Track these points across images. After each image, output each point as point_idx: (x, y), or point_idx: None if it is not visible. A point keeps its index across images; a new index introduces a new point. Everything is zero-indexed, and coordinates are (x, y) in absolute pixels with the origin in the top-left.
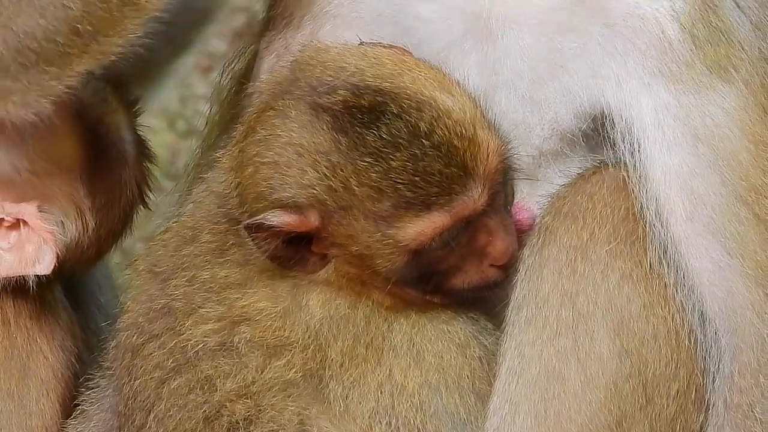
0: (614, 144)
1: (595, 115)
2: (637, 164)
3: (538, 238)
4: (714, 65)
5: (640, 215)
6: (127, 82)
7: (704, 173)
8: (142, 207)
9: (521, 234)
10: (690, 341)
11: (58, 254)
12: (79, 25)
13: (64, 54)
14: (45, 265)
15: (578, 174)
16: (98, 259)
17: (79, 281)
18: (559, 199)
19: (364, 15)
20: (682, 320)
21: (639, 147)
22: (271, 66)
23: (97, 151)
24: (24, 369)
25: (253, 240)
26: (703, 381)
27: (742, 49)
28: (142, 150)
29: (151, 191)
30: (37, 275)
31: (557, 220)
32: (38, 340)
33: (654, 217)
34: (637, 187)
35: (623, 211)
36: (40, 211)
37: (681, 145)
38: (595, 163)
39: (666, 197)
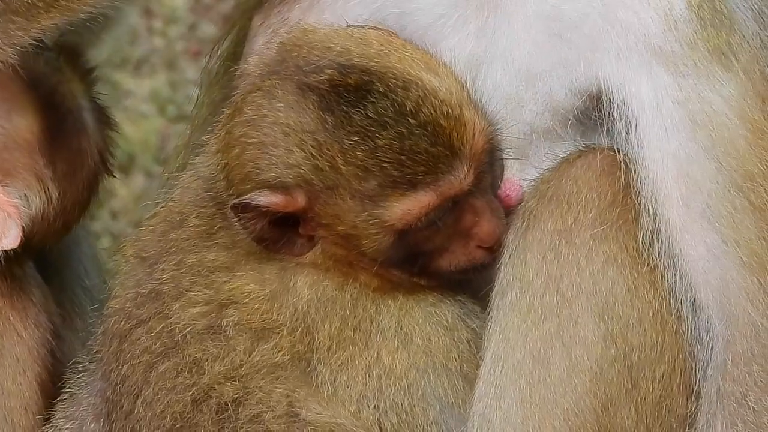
0: (608, 126)
1: (590, 94)
2: (633, 145)
3: (522, 222)
4: (715, 50)
5: (629, 199)
6: (80, 50)
7: (701, 159)
8: (106, 175)
9: (510, 209)
10: (675, 324)
11: (23, 228)
12: None
13: (32, 6)
14: (11, 240)
15: (562, 158)
16: (66, 230)
17: (65, 264)
18: (543, 183)
19: None
20: (668, 304)
21: (636, 128)
22: (268, 41)
23: (55, 121)
24: None
25: (239, 221)
26: (690, 366)
27: (743, 36)
28: (102, 118)
29: (114, 158)
30: (4, 250)
31: (541, 204)
32: (11, 318)
33: (648, 200)
34: (632, 169)
35: (609, 196)
36: (1, 186)
37: (679, 129)
38: (581, 147)
39: (662, 181)
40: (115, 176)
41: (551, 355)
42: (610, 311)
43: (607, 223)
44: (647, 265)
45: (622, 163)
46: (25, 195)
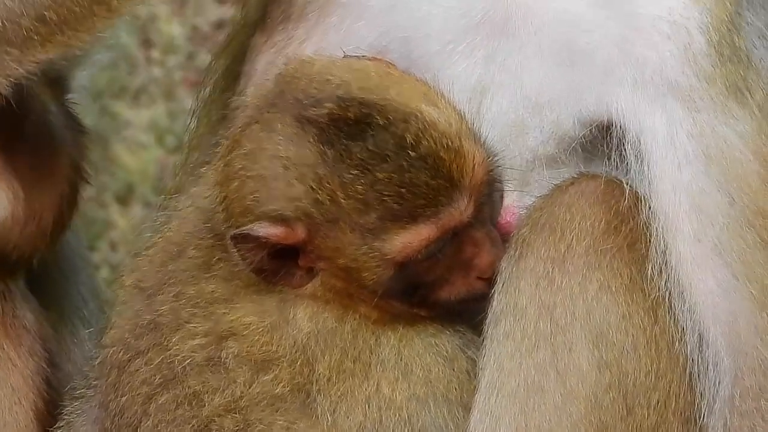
0: (614, 155)
1: (598, 124)
2: (644, 177)
3: (515, 250)
4: (732, 86)
5: (624, 227)
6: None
7: (714, 194)
8: (82, 182)
9: (508, 237)
10: (671, 351)
11: None
12: (46, 13)
13: (28, 38)
14: None
15: (555, 185)
16: (44, 239)
17: (63, 293)
18: (536, 211)
19: (376, 4)
20: (663, 331)
21: (648, 160)
22: (271, 60)
23: (15, 121)
24: None
25: (238, 252)
26: (686, 393)
27: (759, 74)
28: (73, 125)
29: (86, 164)
30: None
31: (534, 232)
32: (5, 346)
33: (658, 232)
34: (641, 200)
35: (603, 223)
36: None
37: (692, 163)
38: (573, 174)
39: (674, 214)
40: (90, 183)
41: (546, 383)
42: (605, 338)
43: (600, 251)
44: (642, 292)
45: (619, 191)
46: None
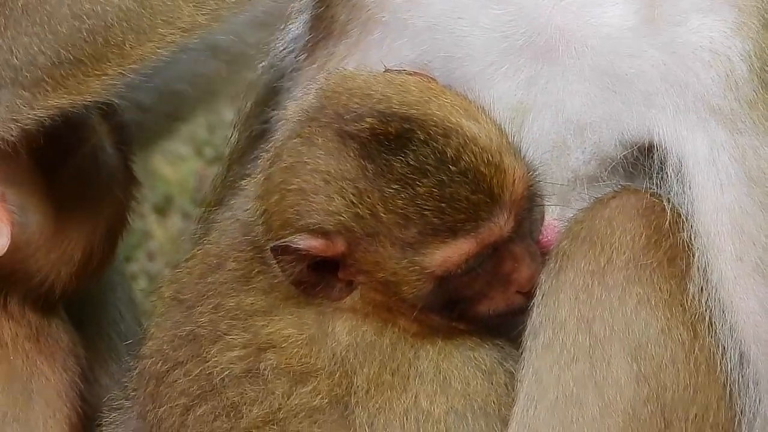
0: (654, 176)
1: (639, 145)
2: (687, 199)
3: (555, 263)
4: None
5: (664, 241)
6: (113, 104)
7: (756, 214)
8: (122, 226)
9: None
10: (709, 365)
11: (13, 237)
12: (62, 51)
13: (40, 82)
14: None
15: (596, 198)
16: (71, 271)
17: (100, 308)
18: (576, 224)
19: (418, 23)
20: (702, 345)
21: (690, 181)
22: (312, 76)
23: (69, 154)
24: (27, 392)
25: (278, 263)
26: (723, 407)
27: None
28: (126, 171)
29: (130, 212)
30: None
31: (574, 245)
32: (38, 362)
33: (700, 251)
34: (681, 216)
35: (644, 238)
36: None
37: (734, 184)
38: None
39: (716, 234)
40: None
41: (584, 395)
42: (643, 352)
43: (640, 265)
44: (681, 307)
45: (659, 207)
46: (22, 206)
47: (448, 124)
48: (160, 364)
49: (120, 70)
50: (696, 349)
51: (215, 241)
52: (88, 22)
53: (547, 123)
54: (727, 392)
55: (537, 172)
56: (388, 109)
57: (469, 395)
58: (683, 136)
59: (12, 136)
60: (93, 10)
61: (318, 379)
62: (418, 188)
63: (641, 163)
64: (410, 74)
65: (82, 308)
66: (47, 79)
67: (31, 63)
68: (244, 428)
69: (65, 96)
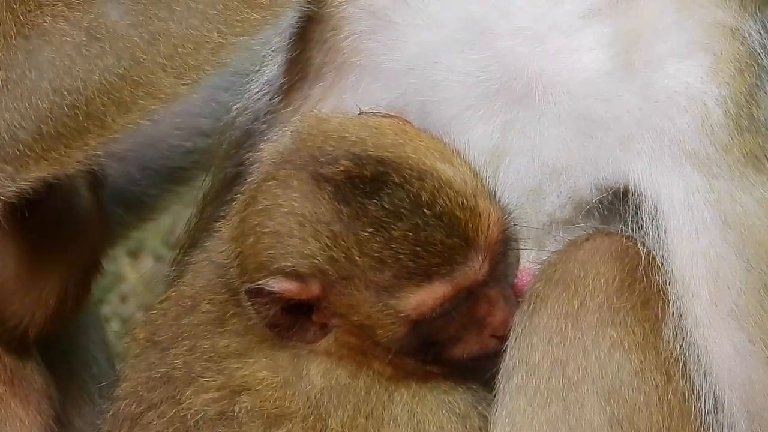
0: (630, 218)
1: (615, 189)
2: (662, 242)
3: (529, 305)
4: (749, 154)
5: (638, 285)
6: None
7: (731, 259)
8: (96, 271)
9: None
10: (682, 408)
11: None
12: (42, 126)
13: (22, 155)
14: None
15: (570, 241)
16: (44, 315)
17: (72, 351)
18: (550, 266)
19: (394, 66)
20: (675, 388)
21: (665, 226)
22: (286, 119)
23: (43, 200)
24: None
25: (252, 306)
26: None
27: None
28: (101, 216)
29: (102, 255)
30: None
31: (548, 287)
32: (13, 404)
33: (676, 296)
34: (656, 259)
35: (617, 281)
36: None
37: (709, 229)
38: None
39: (691, 278)
40: (101, 275)
41: None
42: (616, 395)
43: (614, 308)
44: (655, 350)
45: (633, 249)
46: None
47: (423, 167)
48: (134, 405)
49: (101, 141)
50: (670, 392)
51: (189, 282)
52: (69, 97)
53: (523, 167)
54: None
55: (512, 216)
56: (363, 152)
57: None
58: (659, 180)
59: None
60: (73, 85)
61: (292, 422)
62: (393, 232)
63: (617, 207)
64: (385, 117)
65: (55, 351)
66: (29, 153)
67: (12, 138)
68: None
69: (47, 168)
